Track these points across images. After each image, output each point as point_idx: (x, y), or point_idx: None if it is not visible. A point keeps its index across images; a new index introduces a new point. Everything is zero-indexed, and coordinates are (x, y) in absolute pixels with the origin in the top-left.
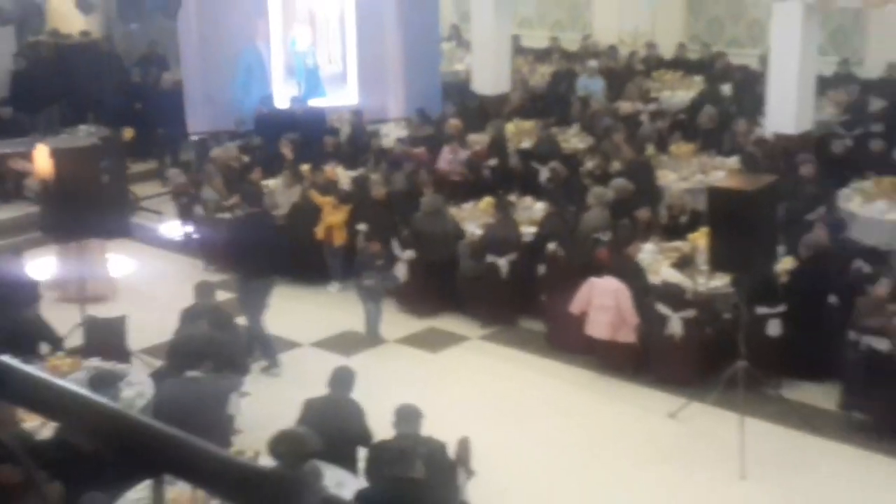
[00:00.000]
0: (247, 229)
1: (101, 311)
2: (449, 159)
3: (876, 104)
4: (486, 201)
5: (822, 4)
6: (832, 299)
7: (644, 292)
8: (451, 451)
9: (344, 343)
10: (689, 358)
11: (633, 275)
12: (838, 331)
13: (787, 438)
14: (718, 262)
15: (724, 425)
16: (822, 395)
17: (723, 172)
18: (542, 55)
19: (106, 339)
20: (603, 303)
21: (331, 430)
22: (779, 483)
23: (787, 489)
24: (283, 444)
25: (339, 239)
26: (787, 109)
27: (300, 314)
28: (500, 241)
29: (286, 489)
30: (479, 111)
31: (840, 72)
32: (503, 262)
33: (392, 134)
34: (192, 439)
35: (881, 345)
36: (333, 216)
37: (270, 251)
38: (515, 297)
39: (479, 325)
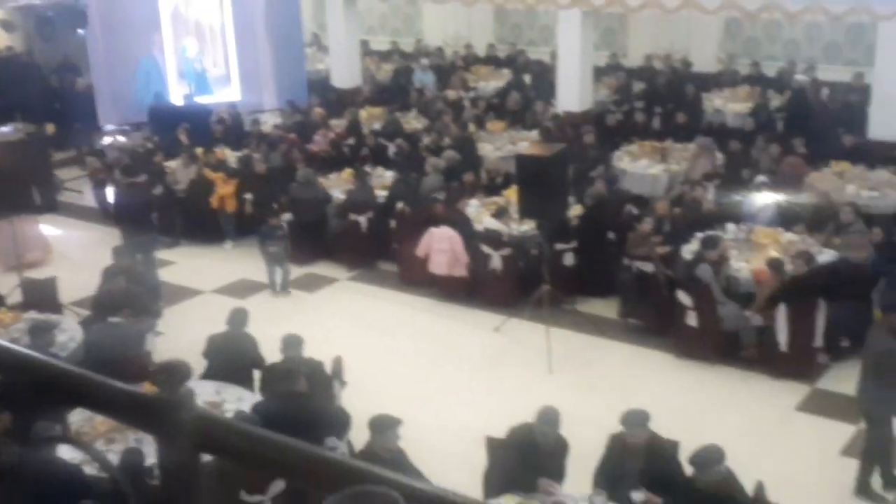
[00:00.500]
0: (127, 197)
1: (36, 274)
2: (318, 140)
3: (637, 87)
4: (347, 172)
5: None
6: (611, 235)
7: (471, 237)
8: (328, 367)
9: (239, 289)
10: (507, 285)
11: (462, 224)
12: (616, 259)
13: (582, 341)
14: (526, 212)
15: (535, 334)
16: (606, 308)
17: (527, 143)
18: (385, 56)
19: (41, 296)
20: (441, 247)
21: (231, 358)
22: (577, 375)
23: (583, 379)
24: (161, 374)
25: (231, 207)
26: (573, 92)
27: (202, 267)
28: (359, 202)
29: (166, 409)
30: (338, 101)
31: (610, 62)
32: (362, 220)
33: (269, 121)
34: (91, 375)
35: (647, 267)
36: (224, 188)
37: (147, 213)
38: (373, 246)
39: (346, 270)
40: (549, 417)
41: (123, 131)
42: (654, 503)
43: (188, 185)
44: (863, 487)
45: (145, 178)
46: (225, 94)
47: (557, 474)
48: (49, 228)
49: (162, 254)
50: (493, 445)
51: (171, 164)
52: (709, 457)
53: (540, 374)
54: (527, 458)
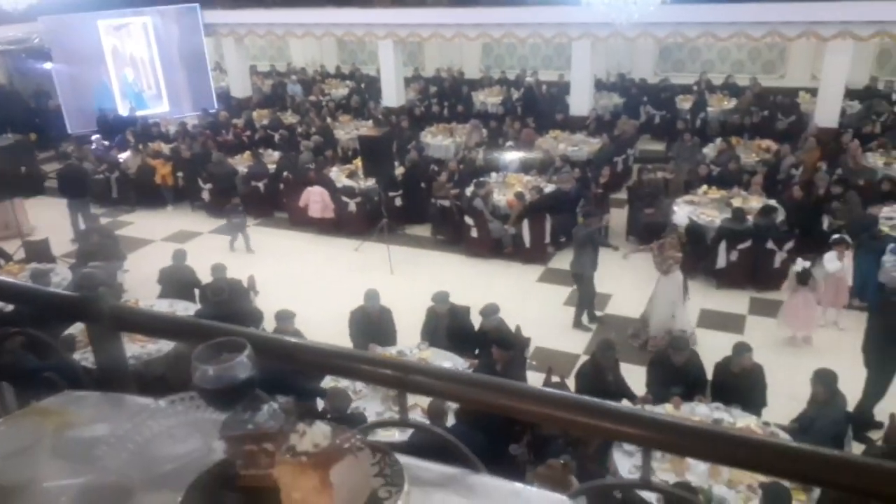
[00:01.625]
0: (65, 174)
1: (33, 238)
2: (226, 133)
3: (432, 89)
4: (247, 154)
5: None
6: (423, 185)
7: (335, 191)
8: (245, 283)
9: (179, 237)
10: (361, 221)
11: (328, 183)
12: (427, 199)
13: (410, 252)
14: (368, 173)
15: (380, 251)
16: (423, 230)
17: (365, 128)
18: (266, 74)
19: (38, 252)
20: (315, 199)
21: (177, 282)
22: (408, 273)
23: (411, 275)
24: (83, 280)
25: (169, 181)
26: (392, 94)
27: (152, 225)
28: (257, 174)
29: (91, 303)
30: (237, 106)
31: (415, 74)
32: (261, 185)
33: (190, 122)
34: (39, 289)
35: (446, 203)
36: (163, 169)
37: (81, 183)
38: (270, 202)
39: (253, 219)
40: (371, 294)
41: (86, 137)
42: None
43: (137, 170)
44: (577, 322)
45: (106, 165)
46: (158, 107)
47: (388, 333)
48: (37, 205)
49: (124, 217)
50: (353, 316)
51: (123, 156)
52: (488, 309)
53: (385, 274)
54: (366, 321)
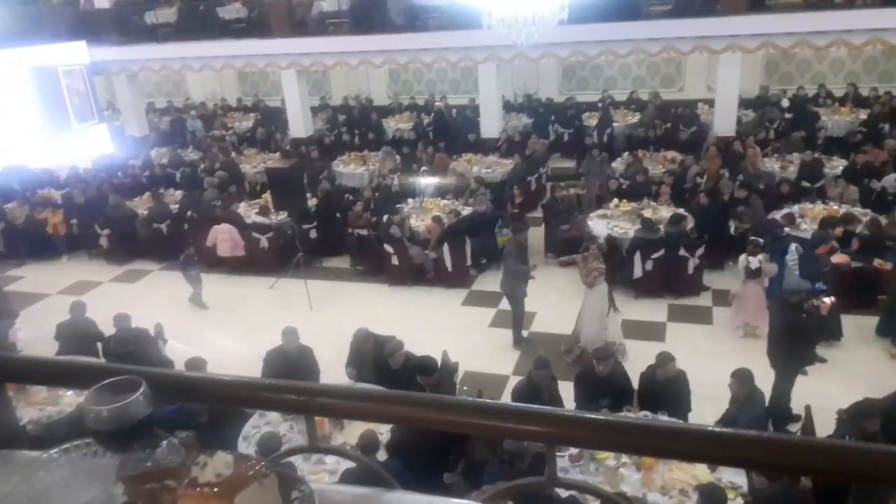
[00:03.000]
0: None
1: None
2: (122, 177)
3: (341, 117)
4: (147, 195)
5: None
6: (338, 215)
7: (244, 228)
8: (152, 331)
9: (76, 288)
10: (274, 256)
11: (237, 220)
12: (343, 230)
13: (329, 286)
14: (278, 206)
15: (298, 286)
16: (341, 262)
17: (272, 161)
18: (164, 111)
19: None
20: (223, 237)
21: (78, 336)
22: (330, 308)
23: (332, 310)
24: None
25: (62, 230)
26: (299, 125)
27: (46, 277)
28: (159, 215)
29: None
30: (134, 146)
31: (322, 103)
32: (163, 227)
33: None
34: None
35: (363, 232)
36: (54, 218)
37: None
38: (175, 244)
39: (157, 263)
40: (289, 332)
41: None
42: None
43: (24, 220)
44: (517, 340)
45: None
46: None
47: (309, 372)
48: None
49: (13, 271)
50: (268, 357)
51: (9, 206)
52: (392, 346)
53: (304, 311)
54: (284, 362)
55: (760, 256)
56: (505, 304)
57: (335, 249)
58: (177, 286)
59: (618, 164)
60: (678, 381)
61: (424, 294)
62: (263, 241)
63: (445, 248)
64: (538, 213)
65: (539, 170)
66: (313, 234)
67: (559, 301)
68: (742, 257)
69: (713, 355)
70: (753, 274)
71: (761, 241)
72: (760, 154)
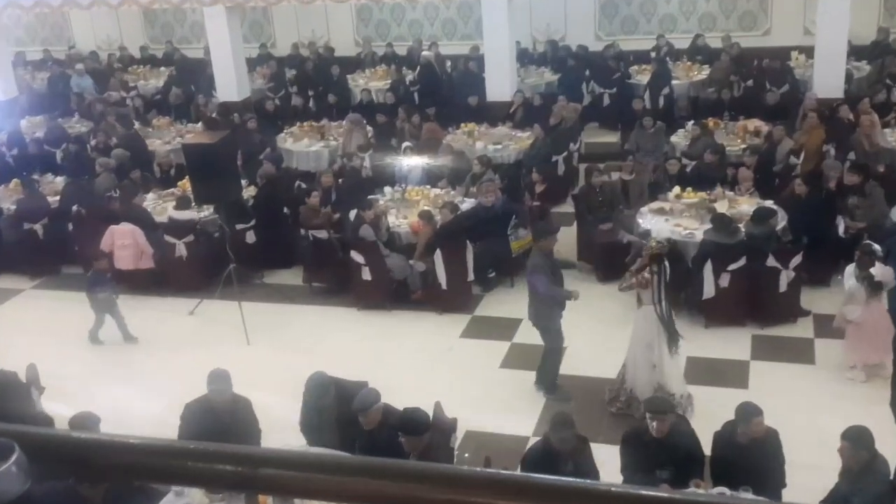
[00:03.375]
0: None
1: None
2: None
3: (289, 73)
4: (14, 182)
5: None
6: (285, 210)
7: (153, 229)
8: (23, 376)
9: None
10: (195, 269)
11: (142, 218)
12: (293, 231)
13: (273, 310)
14: (201, 198)
15: (228, 311)
16: (291, 276)
17: (193, 135)
18: (39, 65)
19: None
20: (123, 242)
21: None
22: (274, 342)
23: (278, 344)
24: None
25: None
26: (230, 84)
27: None
28: (32, 211)
29: None
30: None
31: (261, 53)
32: (38, 227)
33: None
34: None
35: (321, 235)
36: None
37: None
38: (54, 252)
39: (29, 279)
40: (218, 377)
41: None
42: None
43: None
44: (549, 387)
45: None
46: None
47: (246, 433)
48: None
49: None
50: (189, 412)
51: None
52: (363, 402)
53: (238, 346)
54: (210, 418)
55: (877, 267)
56: (523, 336)
57: (282, 259)
58: (59, 312)
59: (679, 138)
60: (767, 443)
61: (409, 321)
62: (180, 248)
63: (438, 256)
64: (568, 207)
65: (569, 146)
66: (251, 237)
67: (601, 330)
68: (849, 269)
69: (817, 408)
70: (874, 290)
71: (877, 247)
72: (879, 124)
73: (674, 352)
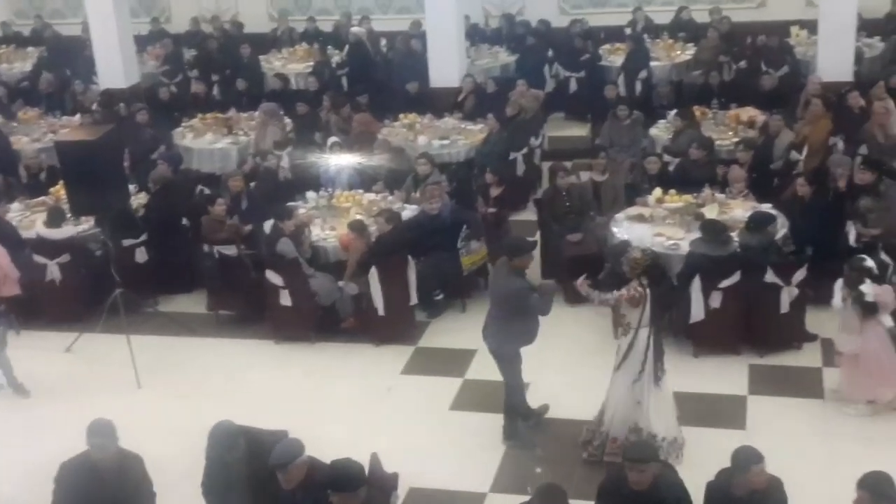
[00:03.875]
0: None
1: None
2: None
3: (188, 54)
4: None
5: None
6: (184, 222)
7: (18, 246)
8: None
9: None
10: (72, 296)
11: (6, 234)
12: (194, 247)
13: (170, 345)
14: (78, 208)
15: (115, 347)
16: (192, 303)
17: (69, 130)
18: None
19: None
20: None
21: None
22: (168, 383)
23: (177, 386)
24: None
25: None
26: (115, 67)
27: None
28: None
29: None
30: None
31: (153, 30)
32: None
33: None
34: None
35: (229, 251)
36: None
37: None
38: None
39: None
40: (100, 430)
41: None
42: None
43: None
44: (511, 434)
45: None
46: None
47: (135, 494)
48: None
49: None
50: (65, 473)
51: None
52: (283, 455)
53: (127, 390)
54: (90, 481)
55: (868, 285)
56: (478, 370)
57: (180, 282)
58: None
59: (660, 131)
60: (769, 496)
61: (338, 356)
62: (53, 270)
63: (373, 275)
64: (529, 215)
65: (530, 141)
66: (141, 254)
67: (571, 361)
68: (837, 284)
69: (828, 451)
70: (868, 312)
71: (870, 262)
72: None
73: (653, 380)
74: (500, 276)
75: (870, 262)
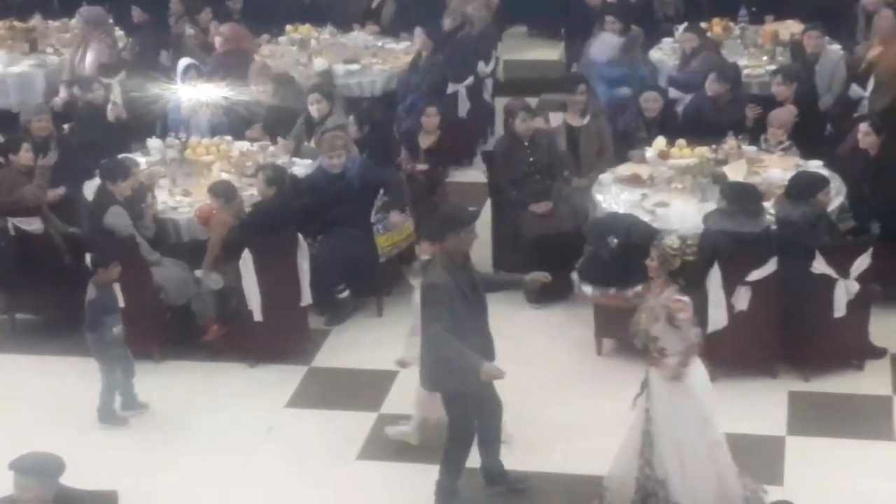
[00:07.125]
0: None
1: None
2: None
3: None
4: None
5: None
6: None
7: None
8: None
9: None
10: None
11: None
12: None
13: None
14: None
15: None
16: None
17: None
18: None
19: None
20: None
21: None
22: None
23: None
24: None
25: None
26: None
27: None
28: None
29: None
30: None
31: None
32: None
33: None
34: None
35: (33, 225)
36: None
37: None
38: None
39: None
40: None
41: None
42: None
43: None
44: (445, 495)
45: None
46: None
47: None
48: None
49: None
50: None
51: None
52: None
53: None
54: None
55: None
56: (400, 401)
57: None
58: None
59: (664, 54)
60: None
61: (195, 380)
62: None
63: (246, 262)
64: (476, 175)
65: (477, 67)
66: None
67: (540, 388)
68: None
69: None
70: None
71: None
72: None
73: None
74: (425, 270)
75: None
